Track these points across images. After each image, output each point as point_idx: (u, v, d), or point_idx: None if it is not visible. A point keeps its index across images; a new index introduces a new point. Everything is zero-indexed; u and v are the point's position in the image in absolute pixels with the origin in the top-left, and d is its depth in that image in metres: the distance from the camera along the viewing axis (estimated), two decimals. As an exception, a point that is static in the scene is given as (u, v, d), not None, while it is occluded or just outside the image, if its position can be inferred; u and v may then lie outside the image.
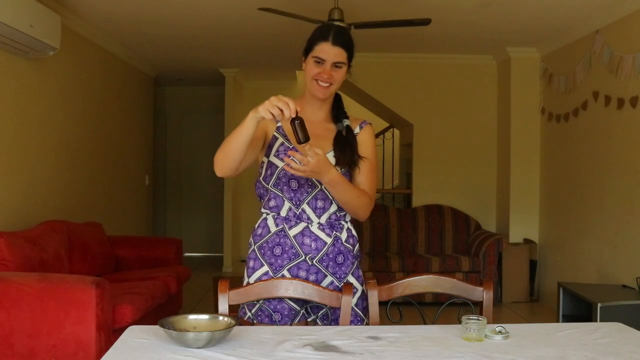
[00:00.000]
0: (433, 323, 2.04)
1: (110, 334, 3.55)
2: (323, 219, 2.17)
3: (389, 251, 6.63)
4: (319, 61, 2.14)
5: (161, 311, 4.46)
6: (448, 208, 6.84)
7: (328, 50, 2.12)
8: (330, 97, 2.25)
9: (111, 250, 5.27)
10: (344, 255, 2.19)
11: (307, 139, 1.88)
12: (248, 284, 2.14)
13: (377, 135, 8.43)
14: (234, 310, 2.05)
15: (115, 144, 6.52)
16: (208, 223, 9.46)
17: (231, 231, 8.09)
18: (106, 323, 3.50)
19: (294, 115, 1.88)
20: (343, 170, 2.17)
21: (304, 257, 2.15)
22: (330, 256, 2.17)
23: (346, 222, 2.23)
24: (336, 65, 2.14)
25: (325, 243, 2.16)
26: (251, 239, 2.24)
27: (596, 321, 4.04)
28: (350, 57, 2.19)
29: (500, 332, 1.82)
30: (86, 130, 5.72)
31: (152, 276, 4.75)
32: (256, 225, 2.24)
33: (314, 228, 2.16)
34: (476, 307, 2.17)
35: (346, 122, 2.26)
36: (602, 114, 5.18)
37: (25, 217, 4.54)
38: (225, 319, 1.80)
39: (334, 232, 2.18)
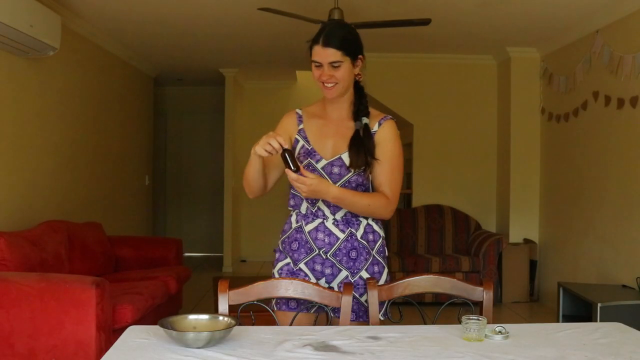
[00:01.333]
0: (433, 323, 2.04)
1: (110, 334, 3.55)
2: (338, 216, 2.24)
3: (389, 251, 6.63)
4: (317, 64, 2.19)
5: (161, 311, 4.46)
6: (448, 208, 6.84)
7: (321, 53, 2.17)
8: (345, 94, 2.26)
9: (111, 250, 5.27)
10: (357, 251, 2.23)
11: (297, 168, 2.06)
12: (273, 275, 2.31)
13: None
14: (234, 310, 2.05)
15: (115, 144, 6.52)
16: (208, 223, 9.46)
17: (231, 231, 8.09)
18: (106, 323, 3.50)
19: (285, 147, 2.06)
20: (357, 171, 2.19)
21: (317, 251, 2.23)
22: (344, 251, 2.23)
23: (366, 218, 2.26)
24: (333, 65, 2.17)
25: (338, 238, 2.22)
26: (280, 234, 2.38)
27: (596, 321, 4.03)
28: (348, 52, 2.19)
29: (500, 332, 1.82)
30: (86, 130, 5.72)
31: (152, 276, 4.75)
32: (285, 222, 2.36)
33: (329, 224, 2.23)
34: (476, 307, 2.17)
35: (365, 120, 2.25)
36: (602, 114, 5.18)
37: (25, 217, 4.54)
38: (225, 319, 1.80)
39: (349, 228, 2.23)
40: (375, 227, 2.28)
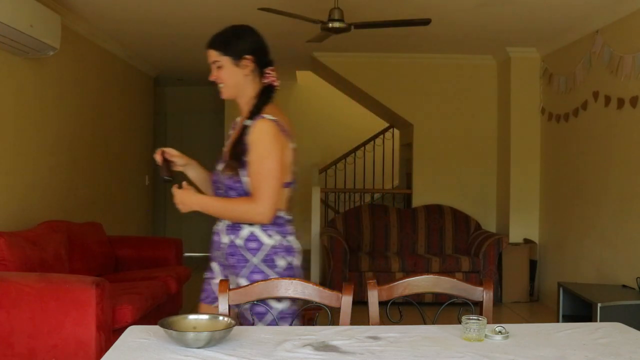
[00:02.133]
0: (433, 323, 2.04)
1: (110, 334, 3.54)
2: (227, 220, 2.29)
3: (389, 251, 6.63)
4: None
5: (161, 311, 4.46)
6: (448, 208, 6.84)
7: (207, 55, 2.29)
8: (243, 96, 2.33)
9: (111, 250, 5.27)
10: (235, 257, 2.25)
11: (167, 179, 2.24)
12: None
13: (376, 135, 8.42)
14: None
15: (115, 144, 6.52)
16: (208, 223, 9.38)
17: (231, 231, 8.08)
18: (106, 323, 3.49)
19: (160, 160, 2.32)
20: (227, 175, 2.24)
21: (217, 252, 2.34)
22: (226, 255, 2.28)
23: (250, 225, 2.24)
24: (217, 65, 2.28)
25: (222, 242, 2.30)
26: None
27: (596, 321, 4.04)
28: (226, 52, 2.27)
29: (500, 332, 1.82)
30: (86, 130, 5.72)
31: (152, 276, 4.75)
32: None
33: (222, 227, 2.31)
34: (476, 307, 2.17)
35: (247, 122, 2.25)
36: (602, 114, 5.18)
37: (25, 217, 4.54)
38: (225, 319, 1.80)
39: (230, 234, 2.26)
40: (261, 235, 2.21)
